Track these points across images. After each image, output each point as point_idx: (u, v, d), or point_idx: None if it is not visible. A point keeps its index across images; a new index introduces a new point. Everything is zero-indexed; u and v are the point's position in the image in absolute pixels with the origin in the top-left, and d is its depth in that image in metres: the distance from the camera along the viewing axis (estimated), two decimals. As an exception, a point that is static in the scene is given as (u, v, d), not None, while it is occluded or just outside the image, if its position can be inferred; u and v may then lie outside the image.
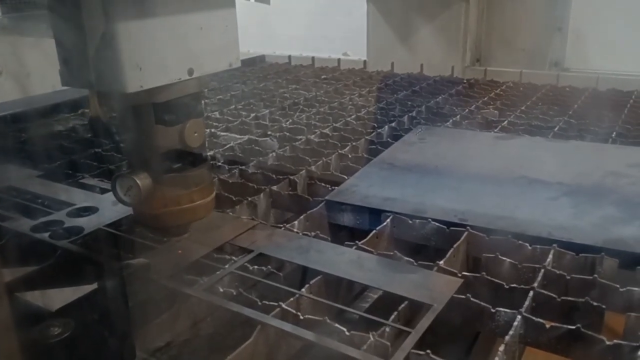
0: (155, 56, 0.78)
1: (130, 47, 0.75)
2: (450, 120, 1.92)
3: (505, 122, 1.88)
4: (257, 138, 1.79)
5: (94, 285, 0.94)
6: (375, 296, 1.07)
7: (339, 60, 3.13)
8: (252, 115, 2.07)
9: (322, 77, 2.76)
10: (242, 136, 1.82)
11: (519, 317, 0.85)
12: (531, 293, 0.91)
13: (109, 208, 1.25)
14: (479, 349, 1.04)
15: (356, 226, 1.27)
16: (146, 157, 0.88)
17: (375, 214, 1.23)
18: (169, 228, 0.99)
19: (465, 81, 2.55)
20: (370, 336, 0.81)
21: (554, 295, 0.90)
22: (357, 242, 1.09)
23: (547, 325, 0.84)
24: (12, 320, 0.54)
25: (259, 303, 0.91)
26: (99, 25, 0.73)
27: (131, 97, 0.80)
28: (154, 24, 0.77)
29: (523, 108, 2.05)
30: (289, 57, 3.31)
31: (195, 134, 0.89)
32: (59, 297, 0.92)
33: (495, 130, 1.81)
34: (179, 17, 0.80)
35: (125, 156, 0.94)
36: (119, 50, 0.74)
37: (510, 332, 0.82)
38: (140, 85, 0.77)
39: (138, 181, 0.87)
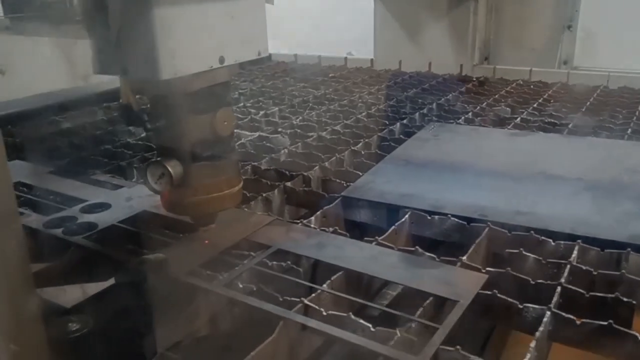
0: (188, 44, 0.78)
1: (164, 33, 0.74)
2: (463, 117, 1.90)
3: (518, 119, 1.86)
4: (268, 135, 1.77)
5: (112, 281, 0.92)
6: (394, 293, 1.05)
7: (345, 58, 3.11)
8: (262, 112, 2.05)
9: (330, 75, 2.74)
10: (252, 133, 1.80)
11: (548, 313, 0.83)
12: (559, 289, 0.89)
13: (122, 204, 1.24)
14: (494, 343, 1.02)
15: (373, 222, 1.25)
16: (177, 145, 0.87)
17: (393, 210, 1.21)
18: (197, 217, 0.97)
19: (474, 79, 2.53)
20: (397, 332, 0.79)
21: (583, 291, 0.88)
22: (377, 237, 1.07)
23: (578, 322, 0.82)
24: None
25: (280, 299, 0.89)
26: (133, 11, 0.72)
27: (163, 85, 0.79)
28: (188, 11, 0.77)
29: (535, 105, 2.03)
30: (295, 55, 3.29)
31: (225, 123, 0.88)
32: (75, 294, 0.91)
33: (509, 127, 1.79)
34: (211, 5, 0.80)
35: (156, 144, 0.93)
36: (154, 37, 0.73)
37: (540, 328, 0.80)
38: (175, 72, 0.76)
39: (170, 168, 0.85)
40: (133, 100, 0.83)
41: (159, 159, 0.88)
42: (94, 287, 0.93)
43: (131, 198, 1.27)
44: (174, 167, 0.86)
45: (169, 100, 0.84)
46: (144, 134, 1.80)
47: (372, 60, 3.03)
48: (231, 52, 0.84)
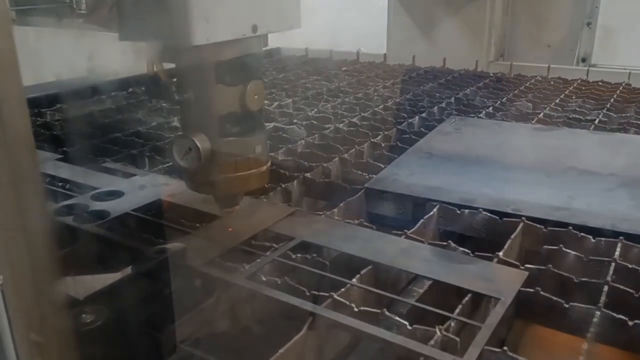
0: (222, 9, 0.73)
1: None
2: (483, 112, 1.84)
3: (541, 114, 1.80)
4: (283, 126, 1.71)
5: (126, 271, 0.86)
6: (421, 290, 0.99)
7: (357, 53, 3.05)
8: (275, 104, 1.99)
9: (343, 69, 2.68)
10: (267, 124, 1.74)
11: (597, 313, 0.77)
12: (606, 288, 0.83)
13: (135, 192, 1.18)
14: (512, 341, 0.97)
15: (397, 215, 1.19)
16: (205, 119, 0.81)
17: (419, 203, 1.16)
18: (222, 197, 0.92)
19: (492, 75, 2.47)
20: (437, 331, 0.73)
21: (631, 291, 0.83)
22: (405, 231, 1.01)
23: (630, 323, 0.76)
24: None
25: (307, 293, 0.83)
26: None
27: (194, 54, 0.74)
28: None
29: (557, 101, 1.97)
30: (306, 49, 3.23)
31: (256, 97, 0.83)
32: (88, 284, 0.85)
33: (532, 122, 1.73)
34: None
35: (182, 118, 0.87)
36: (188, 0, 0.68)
37: (591, 329, 0.74)
38: (207, 38, 0.70)
39: (198, 143, 0.80)
40: (160, 70, 0.77)
41: (184, 133, 0.82)
42: (107, 278, 0.88)
43: (145, 186, 1.21)
44: (202, 142, 0.80)
45: (199, 70, 0.78)
46: (155, 123, 1.75)
47: (384, 55, 2.97)
48: (264, 21, 0.78)
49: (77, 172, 1.32)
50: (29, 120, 0.48)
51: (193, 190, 0.91)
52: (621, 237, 0.97)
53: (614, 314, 0.77)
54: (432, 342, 0.71)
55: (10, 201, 0.40)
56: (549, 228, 1.02)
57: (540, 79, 2.39)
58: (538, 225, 1.03)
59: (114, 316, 0.74)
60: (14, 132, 0.41)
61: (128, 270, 0.85)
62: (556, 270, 0.88)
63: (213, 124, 0.81)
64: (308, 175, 1.31)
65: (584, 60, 2.69)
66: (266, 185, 1.24)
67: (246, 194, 1.17)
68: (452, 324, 0.76)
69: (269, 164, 0.92)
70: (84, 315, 0.75)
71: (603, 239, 0.98)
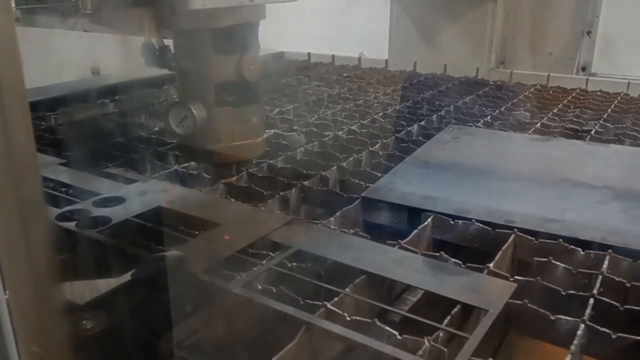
0: None
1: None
2: (482, 121, 1.86)
3: (539, 124, 1.82)
4: (283, 132, 1.74)
5: (127, 278, 0.89)
6: (414, 299, 1.01)
7: (359, 58, 3.07)
8: (276, 110, 2.02)
9: (344, 74, 2.71)
10: (267, 130, 1.76)
11: (582, 325, 0.79)
12: (591, 300, 0.85)
13: (136, 199, 1.21)
14: (505, 351, 0.99)
15: (393, 225, 1.21)
16: (201, 87, 0.84)
17: (415, 213, 1.18)
18: (217, 166, 0.94)
19: (492, 83, 2.49)
20: (425, 341, 0.75)
21: (617, 304, 0.85)
22: (399, 241, 1.03)
23: (613, 336, 0.78)
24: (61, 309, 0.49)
25: (301, 302, 0.85)
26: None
27: (191, 20, 0.76)
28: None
29: (555, 111, 1.99)
30: (308, 54, 3.25)
31: (252, 67, 0.85)
32: (88, 290, 0.87)
33: (530, 132, 1.75)
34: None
35: (179, 86, 0.89)
36: None
37: (575, 342, 0.76)
38: (204, 3, 0.72)
39: (194, 111, 0.82)
40: (157, 37, 0.79)
41: (180, 101, 0.84)
42: (102, 285, 0.90)
43: (146, 192, 1.24)
44: (198, 110, 0.82)
45: (195, 37, 0.81)
46: (157, 128, 1.77)
47: (386, 60, 2.99)
48: None
49: (78, 178, 1.35)
50: (32, 131, 0.50)
51: (190, 159, 0.93)
52: (610, 250, 0.99)
53: (598, 327, 0.79)
54: (420, 352, 0.74)
55: (12, 211, 0.42)
56: (539, 240, 1.05)
57: (539, 87, 2.41)
58: (529, 237, 1.05)
59: (110, 324, 0.76)
60: (16, 141, 0.43)
61: (124, 277, 0.88)
62: (545, 283, 0.90)
63: (209, 92, 0.84)
64: (306, 183, 1.33)
65: (584, 69, 2.71)
66: (264, 193, 1.27)
67: (245, 199, 1.20)
68: (441, 335, 0.78)
69: (265, 135, 0.94)
70: (84, 322, 0.77)
71: (592, 251, 1.00)
